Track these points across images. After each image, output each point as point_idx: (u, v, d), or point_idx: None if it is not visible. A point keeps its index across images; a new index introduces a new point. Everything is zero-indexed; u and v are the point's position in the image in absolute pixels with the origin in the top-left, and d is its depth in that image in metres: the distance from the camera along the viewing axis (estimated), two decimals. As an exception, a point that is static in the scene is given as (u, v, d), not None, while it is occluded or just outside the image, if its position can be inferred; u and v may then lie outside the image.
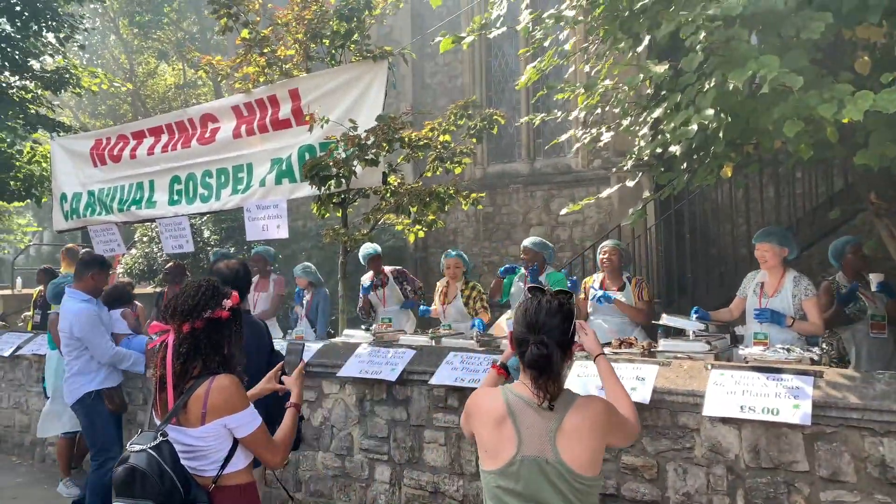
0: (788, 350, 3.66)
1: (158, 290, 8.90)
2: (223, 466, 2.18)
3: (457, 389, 4.09)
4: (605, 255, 5.14)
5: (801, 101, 3.14)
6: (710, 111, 3.29)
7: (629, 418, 2.20)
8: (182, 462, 2.11)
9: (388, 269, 6.38)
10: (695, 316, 4.24)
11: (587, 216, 10.07)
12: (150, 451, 2.02)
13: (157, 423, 2.19)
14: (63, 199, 7.29)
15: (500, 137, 10.66)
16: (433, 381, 4.12)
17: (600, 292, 4.97)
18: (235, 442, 2.23)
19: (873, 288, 4.88)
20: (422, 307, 6.07)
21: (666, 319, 4.20)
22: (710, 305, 7.47)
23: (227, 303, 2.28)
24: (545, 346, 2.01)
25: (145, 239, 10.01)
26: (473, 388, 3.91)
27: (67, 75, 9.45)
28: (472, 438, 2.20)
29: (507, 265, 5.64)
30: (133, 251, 10.24)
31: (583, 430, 1.99)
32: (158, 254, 9.64)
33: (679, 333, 4.53)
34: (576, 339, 2.15)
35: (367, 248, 6.25)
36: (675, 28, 3.32)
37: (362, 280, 6.41)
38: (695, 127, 3.31)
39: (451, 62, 11.51)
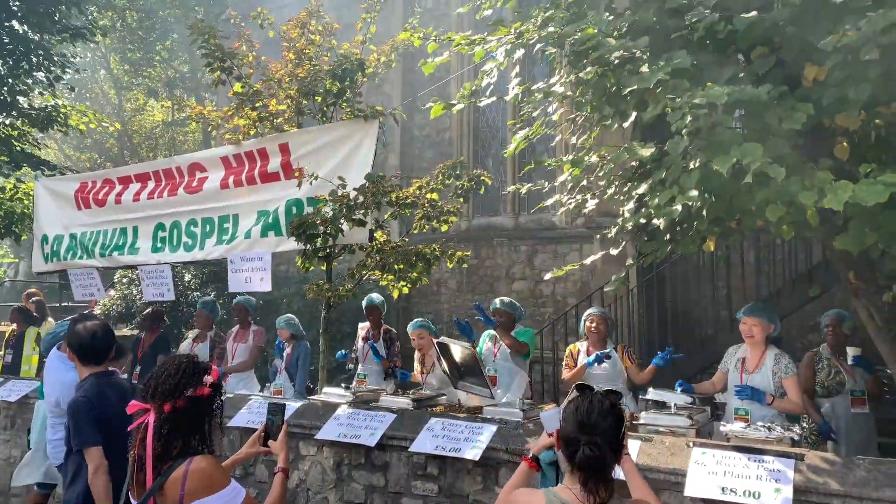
0: (769, 428, 3.67)
1: (136, 333, 8.74)
2: None
3: (437, 457, 4.04)
4: (593, 324, 5.18)
5: (783, 188, 3.22)
6: (695, 192, 3.36)
7: None
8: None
9: (386, 327, 6.32)
10: (679, 389, 4.26)
11: (569, 273, 10.05)
12: None
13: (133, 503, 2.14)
14: (44, 240, 7.21)
15: (487, 191, 10.76)
16: (413, 448, 4.07)
17: (592, 356, 4.97)
18: None
19: (849, 361, 4.95)
20: (401, 372, 6.00)
21: (652, 394, 4.20)
22: (692, 369, 7.55)
23: (208, 379, 2.25)
24: (598, 447, 1.95)
25: (125, 280, 9.90)
26: (454, 458, 3.92)
27: (55, 114, 9.45)
28: None
29: (461, 326, 5.57)
30: (111, 292, 10.10)
31: None
32: (137, 296, 9.52)
33: (661, 405, 4.53)
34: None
35: (372, 297, 6.25)
36: (661, 111, 3.42)
37: (359, 330, 6.36)
38: (679, 207, 3.37)
39: (440, 116, 11.65)
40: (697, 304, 8.33)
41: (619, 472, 2.37)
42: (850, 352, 4.94)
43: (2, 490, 6.12)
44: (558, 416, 2.43)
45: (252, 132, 5.82)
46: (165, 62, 22.53)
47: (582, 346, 5.27)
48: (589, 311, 5.43)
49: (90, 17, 9.47)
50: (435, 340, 4.92)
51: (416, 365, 5.90)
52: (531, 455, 2.46)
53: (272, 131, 5.82)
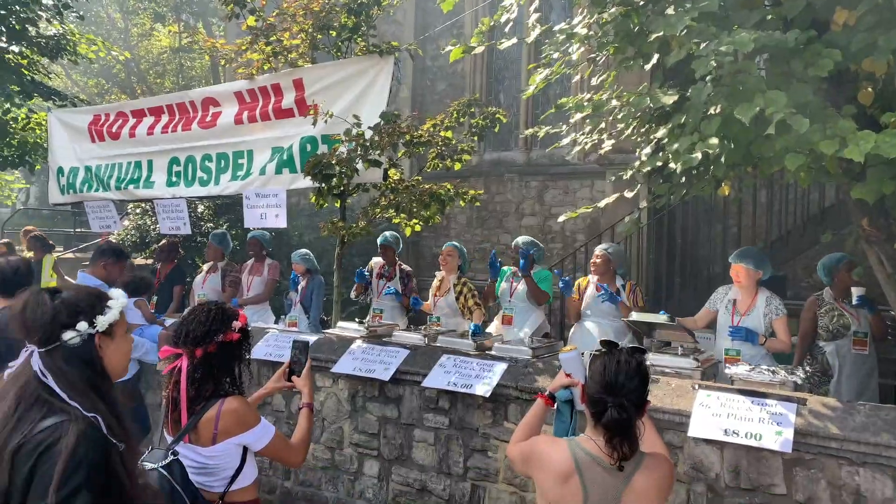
0: (774, 372, 3.77)
1: (152, 264, 8.88)
2: (230, 483, 2.26)
3: (448, 391, 4.18)
4: (597, 259, 5.27)
5: (804, 136, 3.20)
6: (715, 140, 3.35)
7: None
8: (191, 478, 2.18)
9: (401, 265, 6.38)
10: (663, 313, 4.39)
11: (589, 214, 10.12)
12: (161, 469, 2.09)
13: (169, 440, 2.26)
14: (60, 172, 7.25)
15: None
16: (425, 383, 4.21)
17: (605, 294, 5.05)
18: (243, 460, 2.30)
19: (854, 301, 5.01)
20: (413, 298, 6.11)
21: (635, 315, 4.34)
22: (695, 308, 7.64)
23: (237, 324, 2.33)
24: (625, 409, 1.99)
25: (138, 211, 9.97)
26: (465, 393, 4.06)
27: (64, 41, 9.31)
28: (526, 477, 2.18)
29: (490, 261, 5.65)
30: (125, 223, 10.19)
31: (650, 493, 2.03)
32: (151, 226, 9.62)
33: (666, 345, 4.66)
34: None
35: (387, 235, 6.29)
36: (685, 55, 3.36)
37: (371, 263, 6.42)
38: (699, 155, 3.36)
39: (452, 44, 11.41)
40: (707, 242, 8.35)
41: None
42: (855, 292, 4.99)
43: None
44: (579, 358, 2.50)
45: (266, 67, 5.75)
46: (171, -16, 21.94)
47: (593, 279, 5.37)
48: (597, 248, 5.51)
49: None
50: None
51: (430, 291, 5.98)
52: (547, 393, 2.55)
53: (286, 66, 5.74)
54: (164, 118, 6.43)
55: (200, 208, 9.82)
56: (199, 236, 9.26)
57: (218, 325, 2.28)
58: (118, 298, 1.83)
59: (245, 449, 2.32)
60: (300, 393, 2.67)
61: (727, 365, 4.11)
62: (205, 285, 6.74)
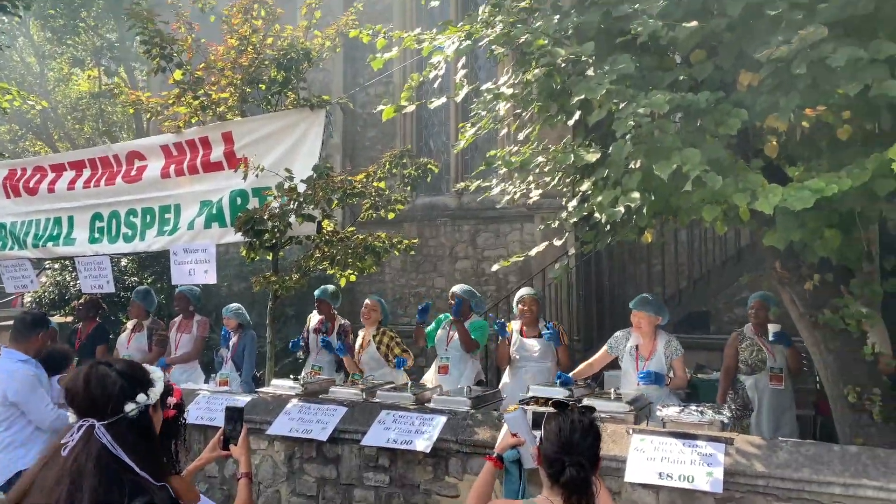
0: (702, 412, 3.92)
1: (71, 322, 8.50)
2: None
3: (388, 448, 4.14)
4: (525, 307, 5.38)
5: (719, 190, 3.40)
6: (636, 194, 3.52)
7: None
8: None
9: (340, 320, 6.31)
10: (558, 382, 4.46)
11: (511, 251, 10.31)
12: None
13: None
14: (-30, 229, 6.89)
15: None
16: (365, 441, 4.15)
17: (549, 332, 5.19)
18: None
19: (770, 338, 5.29)
20: (398, 359, 6.00)
21: (533, 390, 4.36)
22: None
23: (172, 400, 2.26)
24: (583, 468, 2.04)
25: (56, 266, 9.55)
26: (406, 450, 4.02)
27: (-25, 91, 8.95)
28: None
29: (420, 306, 5.72)
30: (42, 279, 9.74)
31: None
32: (71, 283, 9.21)
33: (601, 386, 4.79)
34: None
35: (327, 288, 6.23)
36: (604, 114, 3.55)
37: (309, 318, 6.35)
38: (622, 209, 3.52)
39: (381, 93, 11.58)
40: (632, 281, 8.65)
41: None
42: (771, 328, 5.29)
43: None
44: (523, 417, 2.56)
45: (194, 120, 5.69)
46: (92, 30, 21.41)
47: (516, 325, 5.47)
48: (520, 292, 5.62)
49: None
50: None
51: (357, 349, 5.93)
52: (495, 454, 2.57)
53: (214, 119, 5.70)
54: (86, 172, 6.24)
55: (124, 262, 9.50)
56: (123, 291, 8.93)
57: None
58: (156, 371, 1.94)
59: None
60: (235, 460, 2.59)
61: (658, 407, 4.25)
62: (129, 345, 6.49)
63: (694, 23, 3.52)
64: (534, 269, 8.72)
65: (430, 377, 5.57)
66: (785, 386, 5.33)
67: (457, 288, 5.75)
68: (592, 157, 3.45)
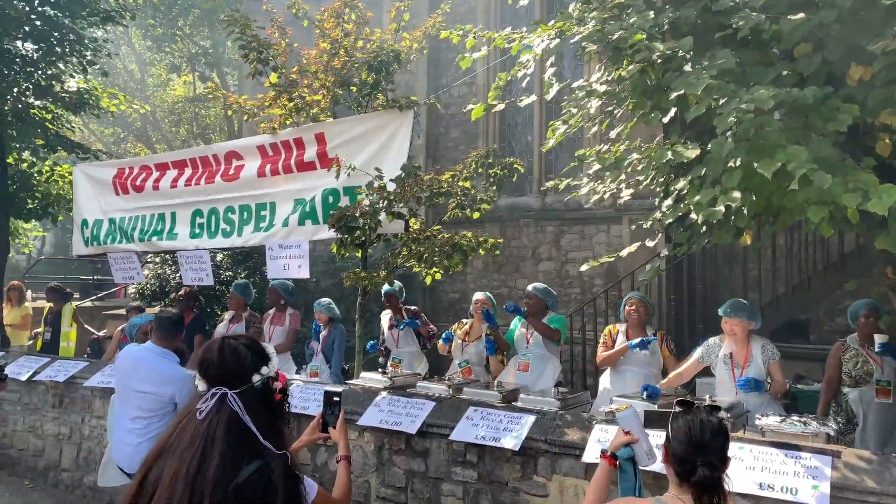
0: (805, 423, 3.75)
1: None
2: None
3: (476, 444, 4.16)
4: (633, 308, 5.24)
5: (827, 190, 3.24)
6: (737, 193, 3.40)
7: None
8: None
9: (406, 307, 6.48)
10: (644, 394, 4.23)
11: (597, 254, 10.16)
12: None
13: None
14: (84, 224, 7.39)
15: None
16: (453, 436, 4.19)
17: (637, 340, 5.07)
18: None
19: (876, 349, 4.98)
20: (445, 334, 6.13)
21: (616, 402, 4.20)
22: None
23: (278, 385, 2.36)
24: (714, 467, 2.05)
25: (157, 260, 10.10)
26: (493, 446, 4.04)
27: (88, 96, 9.57)
28: None
29: (510, 305, 5.67)
30: (145, 271, 10.32)
31: None
32: (171, 275, 9.72)
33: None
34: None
35: (386, 285, 6.36)
36: (703, 110, 3.44)
37: (381, 319, 6.51)
38: (722, 208, 3.41)
39: (465, 94, 11.65)
40: (727, 286, 8.34)
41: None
42: (878, 339, 4.96)
43: (52, 465, 6.39)
44: (635, 415, 2.58)
45: (288, 122, 5.89)
46: (188, 37, 22.53)
47: (621, 327, 5.35)
48: (630, 295, 5.50)
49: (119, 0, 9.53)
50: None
51: (458, 334, 5.98)
52: (609, 452, 2.57)
53: (308, 121, 5.89)
54: (188, 171, 6.58)
55: (219, 257, 9.93)
56: (218, 284, 9.34)
57: None
58: (271, 347, 2.05)
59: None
60: (324, 446, 2.70)
61: (757, 416, 4.09)
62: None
63: (800, 15, 3.38)
64: (622, 271, 8.55)
65: (509, 375, 5.55)
66: (894, 400, 5.01)
67: (532, 287, 5.72)
68: (692, 153, 3.35)
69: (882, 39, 3.09)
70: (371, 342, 6.37)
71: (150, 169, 6.94)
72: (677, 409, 2.22)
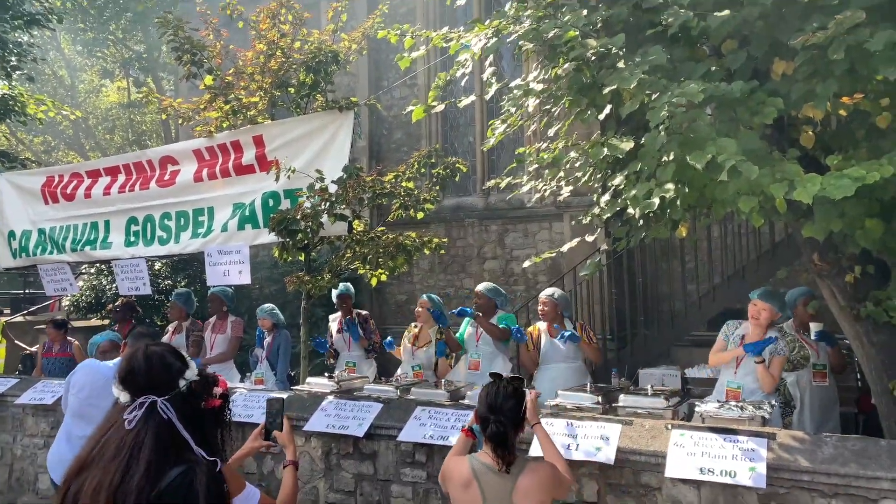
0: (742, 408, 3.86)
1: (108, 325, 8.65)
2: None
3: (425, 444, 4.15)
4: (541, 306, 5.38)
5: (755, 181, 3.35)
6: (671, 185, 3.49)
7: (566, 475, 2.76)
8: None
9: (357, 312, 6.41)
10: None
11: (540, 251, 10.27)
12: None
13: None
14: (11, 236, 7.07)
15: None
16: (401, 437, 4.17)
17: (567, 333, 5.19)
18: None
19: (812, 336, 5.19)
20: (386, 341, 6.11)
21: (561, 396, 4.30)
22: (662, 343, 7.79)
23: (217, 390, 2.30)
24: (503, 424, 2.52)
25: (92, 271, 9.75)
26: (441, 445, 4.03)
27: (12, 102, 9.18)
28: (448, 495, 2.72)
29: (460, 309, 5.69)
30: (79, 283, 9.94)
31: (533, 490, 2.53)
32: (107, 286, 9.40)
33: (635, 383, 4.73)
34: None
35: (341, 286, 6.29)
36: (637, 106, 3.52)
37: (329, 323, 6.42)
38: (657, 200, 3.49)
39: (406, 96, 11.63)
40: (666, 279, 8.56)
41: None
42: (813, 327, 5.17)
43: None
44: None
45: (225, 125, 5.77)
46: (120, 42, 21.83)
47: (542, 325, 5.44)
48: (542, 292, 5.60)
49: (46, 2, 9.16)
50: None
51: (405, 340, 5.95)
52: (468, 426, 2.93)
53: (245, 123, 5.78)
54: (121, 178, 6.37)
55: (158, 265, 9.65)
56: (157, 294, 9.08)
57: (199, 393, 2.25)
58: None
59: (228, 519, 2.27)
60: (269, 454, 2.67)
61: (697, 403, 4.19)
62: None
63: (726, 12, 3.48)
64: (564, 267, 8.67)
65: (460, 374, 5.56)
66: (829, 383, 5.22)
67: (481, 286, 5.75)
68: (626, 145, 3.42)
69: (802, 35, 3.21)
70: (320, 338, 6.26)
71: (82, 176, 6.69)
72: (489, 380, 2.70)
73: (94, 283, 9.63)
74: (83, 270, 9.92)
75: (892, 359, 3.92)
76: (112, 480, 1.58)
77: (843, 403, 5.65)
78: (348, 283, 6.44)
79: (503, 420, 2.52)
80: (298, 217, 4.83)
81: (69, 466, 1.67)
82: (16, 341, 8.55)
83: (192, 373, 1.84)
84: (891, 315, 3.82)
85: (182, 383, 1.77)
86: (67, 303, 9.72)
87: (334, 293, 6.33)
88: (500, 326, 5.50)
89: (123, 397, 1.72)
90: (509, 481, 2.51)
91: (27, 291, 15.48)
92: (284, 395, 4.59)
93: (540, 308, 5.41)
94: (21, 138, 24.31)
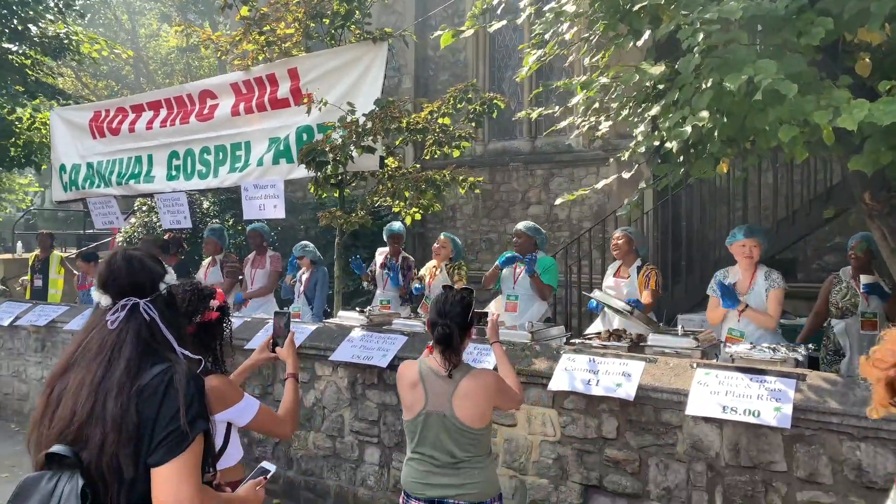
0: (774, 350, 3.71)
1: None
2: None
3: (447, 377, 4.15)
4: (614, 242, 5.26)
5: (797, 106, 3.13)
6: (705, 113, 3.28)
7: (514, 390, 2.86)
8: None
9: (403, 255, 6.36)
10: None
11: (585, 197, 10.02)
12: None
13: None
14: (62, 170, 7.30)
15: (502, 114, 10.62)
16: (423, 368, 4.18)
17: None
18: (227, 440, 2.29)
19: (861, 289, 4.92)
20: (416, 285, 6.10)
21: (597, 294, 4.30)
22: (703, 290, 7.55)
23: (214, 303, 2.32)
24: (448, 327, 2.66)
25: (144, 208, 10.03)
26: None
27: (67, 41, 9.36)
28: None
29: (508, 255, 5.58)
30: (132, 220, 10.27)
31: (472, 393, 2.63)
32: (158, 223, 9.66)
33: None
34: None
35: (394, 224, 6.27)
36: (674, 27, 3.31)
37: (376, 254, 6.41)
38: (689, 128, 3.30)
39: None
40: (713, 226, 8.26)
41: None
42: (863, 279, 4.90)
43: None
44: None
45: (261, 57, 5.74)
46: (177, -15, 21.98)
47: (612, 266, 5.40)
48: (618, 229, 5.49)
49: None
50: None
51: (427, 280, 5.93)
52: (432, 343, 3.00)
53: (280, 56, 5.73)
54: (163, 112, 6.45)
55: (206, 204, 9.86)
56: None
57: (195, 306, 2.28)
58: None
59: (228, 428, 2.32)
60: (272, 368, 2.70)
61: (727, 344, 4.05)
62: (206, 279, 6.76)
63: (775, -77, 3.20)
64: (608, 211, 8.46)
65: (494, 310, 5.50)
66: (881, 332, 4.96)
67: (521, 225, 5.63)
68: (657, 69, 3.23)
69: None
70: (359, 261, 6.25)
71: (126, 111, 6.82)
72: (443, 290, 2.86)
73: (146, 220, 9.91)
74: (136, 208, 10.22)
75: (941, 303, 3.67)
76: (94, 377, 1.60)
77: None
78: (399, 223, 6.36)
79: (449, 323, 2.66)
80: (326, 149, 4.79)
81: (53, 368, 1.71)
82: (74, 273, 8.92)
83: (171, 277, 1.83)
84: (943, 257, 3.56)
85: (163, 286, 1.77)
86: (120, 240, 10.06)
87: (385, 231, 6.29)
88: (546, 283, 5.36)
89: (105, 301, 1.73)
90: (451, 384, 2.64)
91: (87, 230, 16.11)
92: (304, 326, 4.64)
93: (613, 244, 5.28)
94: (86, 82, 25.00)
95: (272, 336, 2.77)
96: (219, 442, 2.28)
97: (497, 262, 5.47)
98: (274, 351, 2.74)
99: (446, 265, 5.75)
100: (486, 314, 3.20)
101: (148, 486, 1.55)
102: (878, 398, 1.26)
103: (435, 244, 5.83)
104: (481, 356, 4.09)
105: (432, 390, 2.68)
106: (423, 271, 5.91)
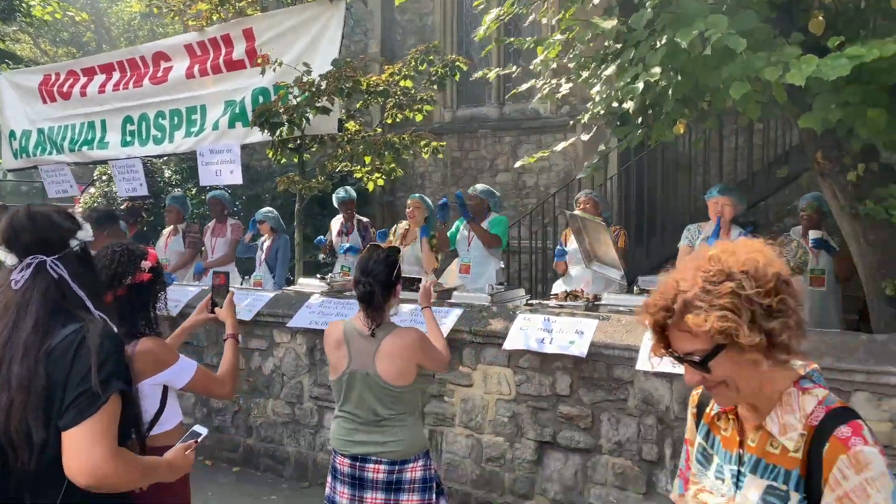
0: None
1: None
2: (150, 427, 2.20)
3: (405, 340, 4.14)
4: (580, 206, 5.23)
5: (748, 63, 3.12)
6: (657, 69, 3.26)
7: (440, 350, 2.85)
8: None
9: (359, 218, 6.29)
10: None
11: (553, 163, 10.03)
12: None
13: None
14: (12, 136, 7.07)
15: (471, 81, 10.50)
16: (381, 332, 4.16)
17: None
18: (163, 404, 2.26)
19: (809, 243, 4.99)
20: (379, 232, 6.02)
21: (596, 267, 4.32)
22: (668, 256, 7.62)
23: (146, 264, 2.26)
24: (370, 285, 2.66)
25: (104, 178, 9.78)
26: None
27: (17, 2, 9.02)
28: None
29: (440, 202, 5.55)
30: (92, 190, 10.03)
31: (395, 352, 2.63)
32: (118, 193, 9.45)
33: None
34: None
35: (341, 191, 6.17)
36: (626, -18, 3.27)
37: (331, 224, 6.34)
38: (641, 85, 3.28)
39: (421, 1, 11.18)
40: (675, 191, 8.31)
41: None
42: (811, 234, 4.99)
43: None
44: None
45: (215, 17, 5.58)
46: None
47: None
48: (582, 192, 5.50)
49: None
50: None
51: (392, 238, 5.86)
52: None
53: (235, 16, 5.58)
54: (116, 75, 6.26)
55: (167, 173, 9.66)
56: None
57: (125, 268, 2.21)
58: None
59: (165, 391, 2.28)
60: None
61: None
62: (167, 249, 6.64)
63: None
64: (574, 178, 8.46)
65: (451, 276, 5.50)
66: (828, 288, 5.06)
67: (473, 188, 5.62)
68: (608, 24, 3.19)
69: None
70: (320, 238, 6.20)
71: (78, 74, 6.59)
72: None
73: (105, 189, 9.69)
74: (95, 178, 9.97)
75: (887, 259, 3.75)
76: None
77: (849, 311, 5.50)
78: (349, 188, 6.29)
79: (372, 281, 2.65)
80: (280, 110, 4.69)
81: None
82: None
83: (85, 234, 1.75)
84: (890, 213, 3.61)
85: (74, 243, 1.69)
86: (80, 209, 9.83)
87: (335, 198, 6.22)
88: (492, 233, 5.38)
89: (10, 260, 1.65)
90: (374, 343, 2.64)
91: (46, 202, 15.74)
92: (262, 293, 4.59)
93: (580, 207, 5.27)
94: (45, 49, 24.20)
95: (210, 297, 2.72)
96: (155, 405, 2.25)
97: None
98: (213, 312, 2.69)
99: (427, 238, 5.59)
100: (419, 280, 3.20)
101: (59, 450, 1.49)
102: (653, 343, 1.34)
103: (407, 208, 5.74)
104: (438, 318, 4.08)
105: (356, 349, 2.67)
106: (391, 236, 5.81)
